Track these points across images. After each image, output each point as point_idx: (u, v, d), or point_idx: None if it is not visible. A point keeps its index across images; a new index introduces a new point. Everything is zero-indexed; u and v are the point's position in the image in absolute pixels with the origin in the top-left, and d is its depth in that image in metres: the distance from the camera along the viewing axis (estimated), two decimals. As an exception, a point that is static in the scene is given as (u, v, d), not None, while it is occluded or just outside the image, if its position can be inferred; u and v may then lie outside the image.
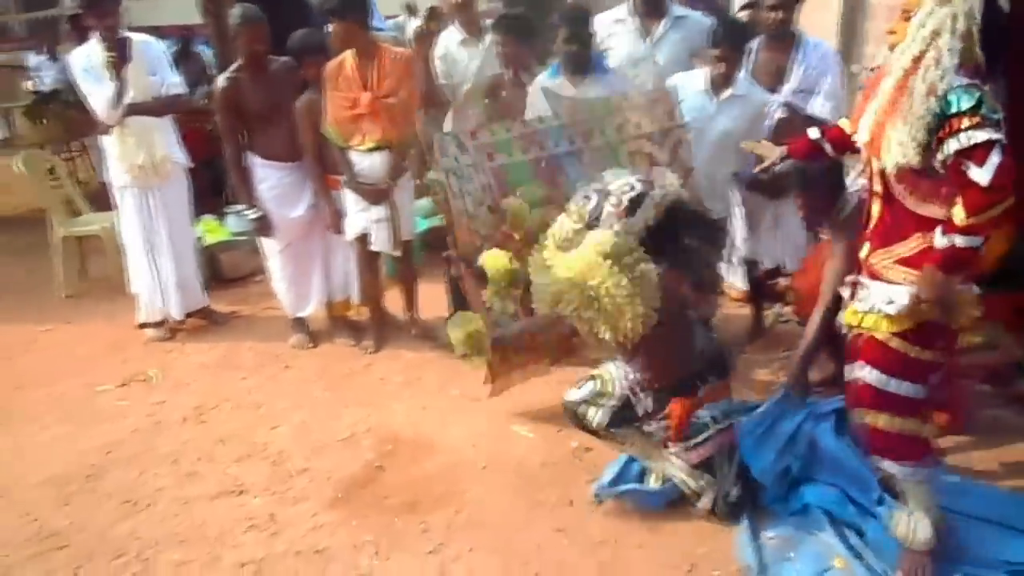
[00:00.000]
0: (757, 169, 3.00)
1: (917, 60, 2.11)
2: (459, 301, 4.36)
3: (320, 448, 3.26)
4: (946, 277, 2.16)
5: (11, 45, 11.89)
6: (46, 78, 9.08)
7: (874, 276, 2.33)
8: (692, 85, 3.57)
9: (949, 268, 2.16)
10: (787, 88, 3.65)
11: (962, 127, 2.06)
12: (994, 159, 2.03)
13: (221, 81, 3.99)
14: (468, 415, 3.44)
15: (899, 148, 2.13)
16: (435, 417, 3.45)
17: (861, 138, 2.31)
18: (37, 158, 5.63)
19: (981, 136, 2.04)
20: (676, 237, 2.55)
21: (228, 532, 2.76)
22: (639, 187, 2.53)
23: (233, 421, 3.52)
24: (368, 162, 3.82)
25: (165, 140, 4.25)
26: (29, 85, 9.26)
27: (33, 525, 2.85)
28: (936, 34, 2.09)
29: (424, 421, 3.42)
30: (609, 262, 2.36)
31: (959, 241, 2.11)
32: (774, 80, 3.67)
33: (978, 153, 2.05)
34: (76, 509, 2.94)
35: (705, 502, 2.67)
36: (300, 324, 4.34)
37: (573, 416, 2.76)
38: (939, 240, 2.14)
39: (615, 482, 2.80)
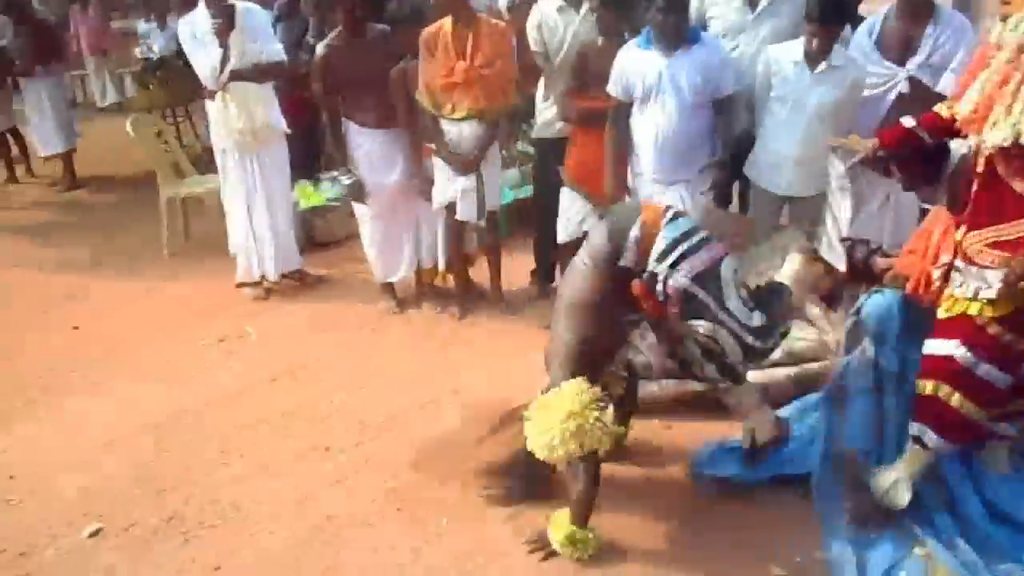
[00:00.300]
0: (848, 165, 2.88)
1: None
2: (545, 273, 4.40)
3: (403, 411, 3.33)
4: None
5: (124, 12, 12.43)
6: (155, 45, 9.46)
7: (968, 260, 2.26)
8: (788, 56, 3.44)
9: None
10: (915, 61, 3.41)
11: None
12: None
13: (320, 48, 4.08)
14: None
15: (1009, 126, 2.05)
16: (516, 384, 3.46)
17: (963, 110, 2.22)
18: (146, 122, 5.89)
19: None
20: None
21: (313, 487, 2.86)
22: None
23: (321, 381, 3.64)
24: (458, 131, 3.85)
25: (265, 107, 4.36)
26: (139, 52, 9.65)
27: (136, 468, 3.03)
28: None
29: (506, 389, 3.44)
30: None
31: None
32: (902, 51, 3.44)
33: None
34: (174, 456, 3.10)
35: None
36: (388, 289, 4.43)
37: None
38: None
39: (712, 463, 2.75)
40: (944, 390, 2.34)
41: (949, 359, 2.32)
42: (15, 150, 7.57)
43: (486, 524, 2.63)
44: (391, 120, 4.09)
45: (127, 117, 5.91)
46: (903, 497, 2.44)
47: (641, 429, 2.97)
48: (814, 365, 3.19)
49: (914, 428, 2.44)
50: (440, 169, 3.97)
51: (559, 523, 2.44)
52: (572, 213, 3.90)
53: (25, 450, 3.22)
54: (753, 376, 2.96)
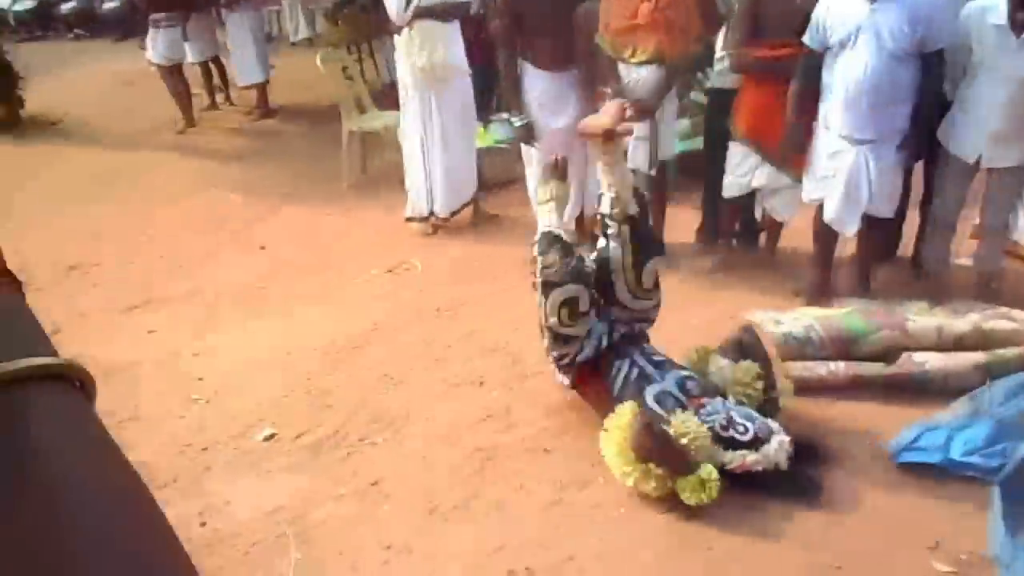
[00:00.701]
0: None
1: None
2: (712, 230, 4.25)
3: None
4: None
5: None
6: (346, -18, 9.81)
7: None
8: (990, 17, 3.08)
9: None
10: None
11: None
12: None
13: None
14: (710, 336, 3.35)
15: None
16: (674, 333, 3.39)
17: None
18: (333, 58, 6.15)
19: None
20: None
21: (467, 418, 2.95)
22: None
23: (481, 317, 3.72)
24: (637, 75, 3.73)
25: (447, 45, 4.42)
26: (331, -12, 10.03)
27: (307, 383, 3.25)
28: None
29: (658, 339, 3.38)
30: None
31: None
32: None
33: None
34: (342, 376, 3.30)
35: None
36: (551, 233, 4.43)
37: None
38: None
39: (914, 449, 2.58)
40: None
41: None
42: (216, 79, 8.16)
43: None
44: (568, 62, 4.04)
45: (316, 52, 6.20)
46: None
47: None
48: (1011, 351, 2.90)
49: None
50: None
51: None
52: (742, 169, 3.73)
53: (212, 357, 3.53)
54: (938, 359, 2.75)
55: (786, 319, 3.20)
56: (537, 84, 4.15)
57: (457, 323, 3.70)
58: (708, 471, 2.38)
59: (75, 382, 0.40)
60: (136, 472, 0.39)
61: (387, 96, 6.81)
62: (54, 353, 0.39)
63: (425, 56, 4.35)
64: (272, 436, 2.89)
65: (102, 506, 0.36)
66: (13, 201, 5.73)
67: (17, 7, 13.93)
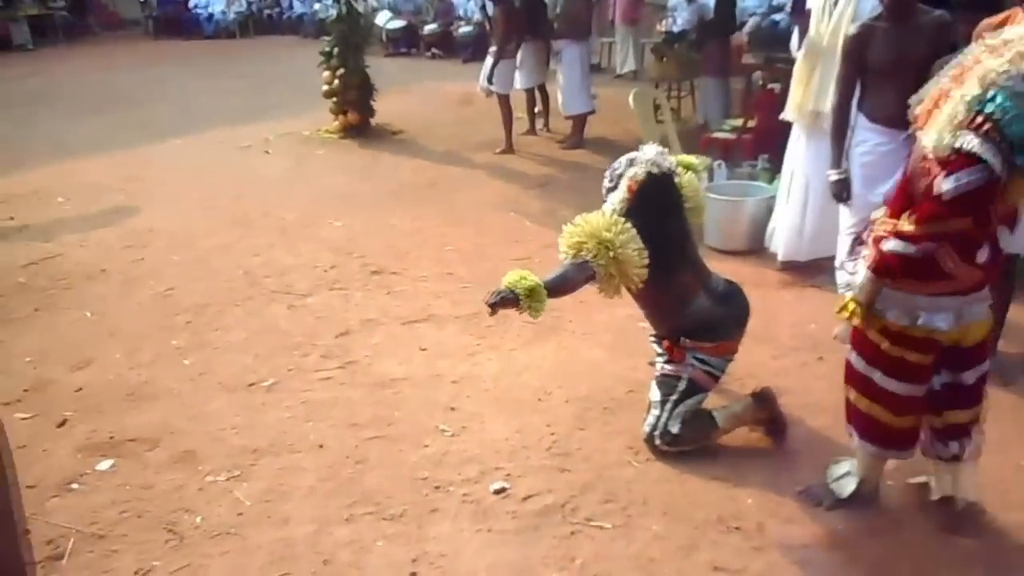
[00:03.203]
0: None
1: (1007, 44, 1.95)
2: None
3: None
4: (873, 279, 2.19)
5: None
6: (679, 18, 9.72)
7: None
8: None
9: (879, 271, 2.17)
10: None
11: (973, 126, 1.93)
12: (968, 176, 1.94)
13: (854, 27, 3.68)
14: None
15: (937, 130, 2.01)
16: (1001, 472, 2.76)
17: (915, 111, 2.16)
18: (646, 95, 6.04)
19: (973, 145, 1.92)
20: (648, 211, 2.81)
21: (710, 531, 2.62)
22: (623, 164, 2.94)
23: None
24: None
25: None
26: (663, 24, 10.02)
27: (552, 438, 3.12)
28: None
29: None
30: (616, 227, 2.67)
31: (892, 244, 2.10)
32: None
33: (958, 161, 1.95)
34: (589, 437, 3.12)
35: (649, 420, 2.96)
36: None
37: None
38: (883, 243, 2.12)
39: None
40: (852, 394, 2.47)
41: (849, 364, 2.46)
42: (539, 105, 8.48)
43: None
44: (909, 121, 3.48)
45: (639, 86, 6.14)
46: (847, 489, 2.61)
47: None
48: None
49: (847, 428, 2.56)
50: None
51: (529, 276, 2.53)
52: None
53: (470, 386, 3.55)
54: None
55: None
56: (867, 139, 3.69)
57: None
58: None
59: None
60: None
61: (698, 138, 6.58)
62: None
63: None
64: (503, 491, 2.80)
65: None
66: (349, 198, 6.39)
67: (390, 25, 15.81)
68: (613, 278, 2.69)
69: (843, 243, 3.91)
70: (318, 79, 8.49)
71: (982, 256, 2.17)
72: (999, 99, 1.91)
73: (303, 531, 2.66)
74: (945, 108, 2.02)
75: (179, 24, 19.77)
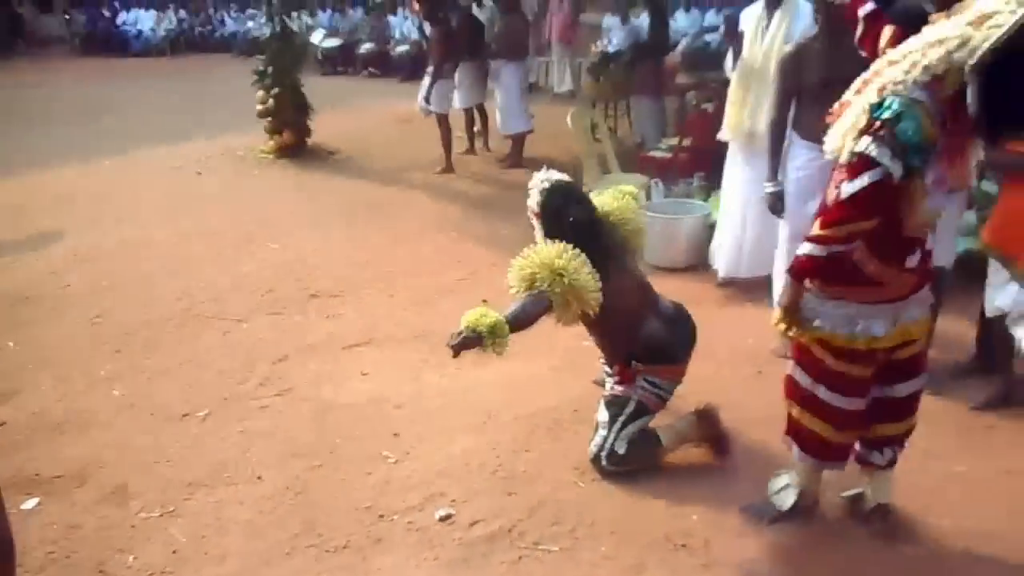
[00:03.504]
0: None
1: (905, 56, 2.05)
2: (989, 351, 3.57)
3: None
4: (792, 283, 2.27)
5: (596, 6, 13.24)
6: (614, 39, 9.89)
7: None
8: None
9: (795, 274, 2.26)
10: None
11: (870, 131, 2.03)
12: (865, 179, 2.03)
13: (790, 46, 3.81)
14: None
15: (839, 136, 2.13)
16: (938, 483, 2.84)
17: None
18: (583, 114, 6.11)
19: (871, 150, 2.02)
20: (563, 226, 2.88)
21: (660, 546, 2.63)
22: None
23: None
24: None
25: None
26: (598, 44, 10.17)
27: (497, 461, 3.09)
28: (938, 43, 1.99)
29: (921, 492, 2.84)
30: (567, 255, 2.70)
31: (805, 248, 2.18)
32: None
33: (857, 164, 2.05)
34: (534, 459, 3.11)
35: (596, 441, 2.95)
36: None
37: None
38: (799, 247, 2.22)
39: None
40: (795, 409, 2.49)
41: (791, 379, 2.49)
42: (478, 125, 8.49)
43: None
44: None
45: (576, 105, 6.20)
46: (787, 501, 2.65)
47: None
48: None
49: (784, 439, 2.59)
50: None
51: (489, 313, 2.52)
52: (996, 281, 3.10)
53: (414, 409, 3.49)
54: None
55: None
56: (799, 155, 3.78)
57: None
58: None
59: None
60: None
61: (632, 157, 6.68)
62: None
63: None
64: (448, 517, 2.75)
65: None
66: (287, 220, 6.27)
67: (325, 44, 15.69)
68: (570, 305, 2.69)
69: (780, 257, 4.00)
70: (252, 98, 8.35)
71: (912, 261, 2.26)
72: (895, 105, 2.02)
73: (242, 567, 2.56)
74: (846, 116, 2.14)
75: (107, 41, 19.28)
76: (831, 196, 2.18)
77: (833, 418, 2.43)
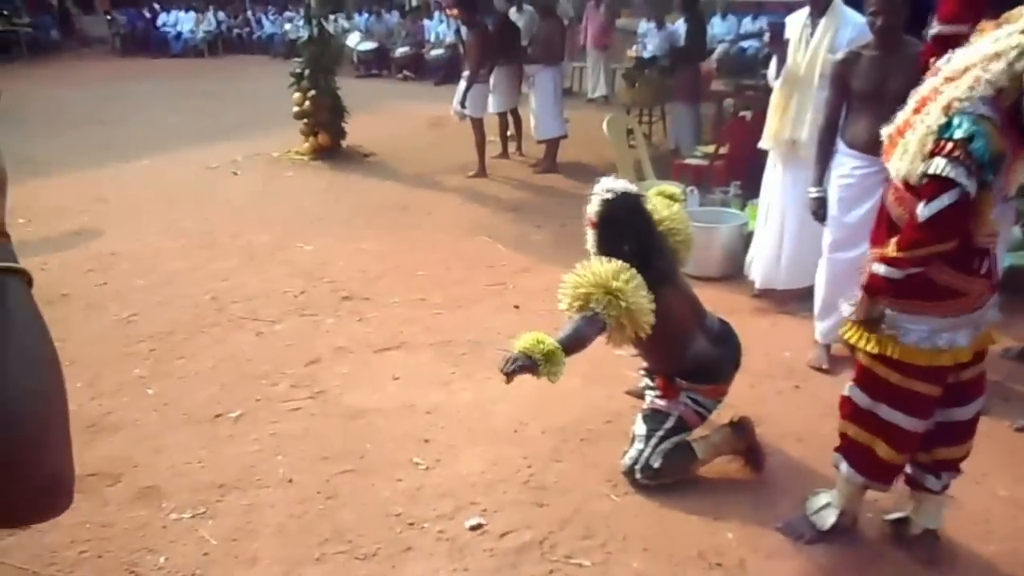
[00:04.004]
0: None
1: (965, 71, 2.00)
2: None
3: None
4: (868, 300, 2.21)
5: (632, 11, 13.20)
6: (649, 44, 9.81)
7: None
8: None
9: (870, 292, 2.21)
10: None
11: (943, 152, 1.98)
12: (944, 200, 1.98)
13: (841, 53, 3.73)
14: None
15: (902, 158, 2.09)
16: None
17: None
18: (619, 120, 6.05)
19: (948, 171, 1.97)
20: (619, 238, 2.79)
21: (692, 565, 2.57)
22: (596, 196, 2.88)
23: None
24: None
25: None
26: (634, 49, 10.10)
27: (528, 471, 3.06)
28: (996, 56, 1.96)
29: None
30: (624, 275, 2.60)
31: (880, 269, 2.14)
32: None
33: (933, 186, 2.00)
34: (567, 470, 3.06)
35: (631, 453, 2.89)
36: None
37: None
38: (871, 266, 2.19)
39: None
40: (851, 430, 2.42)
41: (848, 401, 2.41)
42: (512, 129, 8.47)
43: None
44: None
45: (610, 110, 6.16)
46: (827, 521, 2.57)
47: None
48: None
49: (834, 456, 2.52)
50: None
51: (544, 339, 2.42)
52: None
53: (444, 416, 3.47)
54: None
55: None
56: (845, 163, 3.70)
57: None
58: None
59: (26, 276, 0.71)
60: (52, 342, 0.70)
61: (670, 163, 6.61)
62: (16, 260, 0.71)
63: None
64: (479, 527, 2.72)
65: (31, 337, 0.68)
66: (320, 222, 6.30)
67: (362, 47, 15.79)
68: (624, 329, 2.60)
69: (822, 267, 3.91)
70: (288, 100, 8.41)
71: (984, 267, 2.21)
72: (965, 124, 1.97)
73: (272, 572, 2.56)
74: (911, 138, 2.08)
75: (147, 42, 19.59)
76: (896, 215, 2.14)
77: (893, 438, 2.35)
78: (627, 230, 2.80)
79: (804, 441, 3.23)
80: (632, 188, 2.91)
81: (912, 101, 2.18)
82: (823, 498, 2.64)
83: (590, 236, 2.90)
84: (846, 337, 2.36)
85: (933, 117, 2.04)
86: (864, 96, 3.54)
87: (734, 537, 2.66)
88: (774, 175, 4.51)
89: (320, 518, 2.80)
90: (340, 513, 2.82)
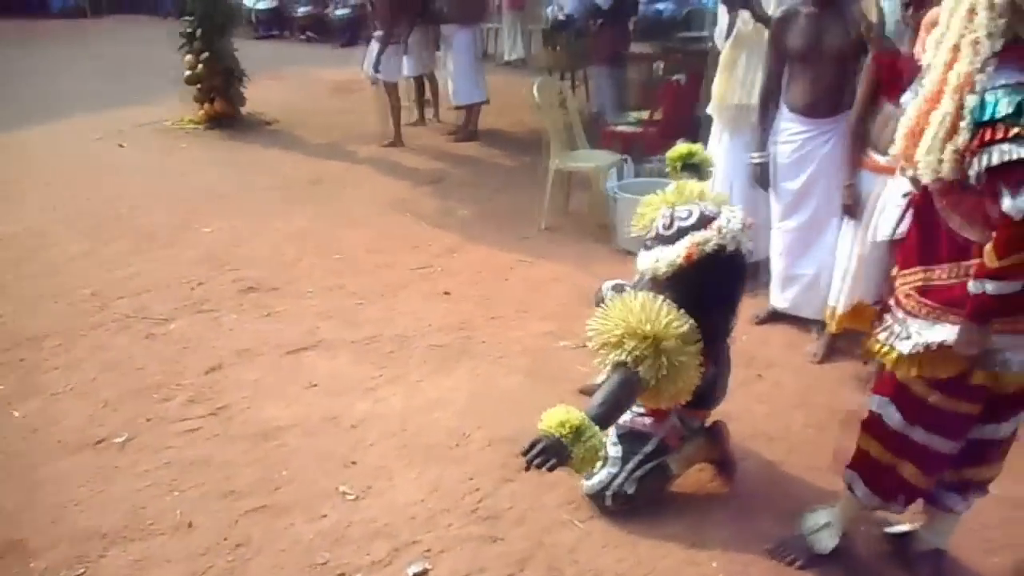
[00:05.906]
0: None
1: (957, 49, 1.74)
2: None
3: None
4: (980, 329, 1.81)
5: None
6: (567, 6, 9.35)
7: (896, 302, 2.00)
8: None
9: (982, 319, 1.80)
10: None
11: (996, 138, 1.66)
12: None
13: (779, 11, 3.55)
14: None
15: (928, 159, 1.78)
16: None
17: (895, 147, 1.93)
18: (550, 86, 5.62)
19: (1019, 152, 1.63)
20: (697, 289, 2.24)
21: (672, 593, 2.22)
22: (693, 216, 2.31)
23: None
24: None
25: None
26: (550, 11, 9.64)
27: (475, 495, 2.64)
28: (972, 12, 1.71)
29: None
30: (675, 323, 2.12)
31: (990, 288, 1.75)
32: None
33: (1014, 174, 1.65)
34: (521, 493, 2.66)
35: (601, 476, 2.48)
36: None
37: None
38: (971, 286, 1.79)
39: None
40: (875, 449, 2.13)
41: (878, 418, 2.10)
42: (428, 94, 7.93)
43: None
44: (831, 110, 3.41)
45: (527, 74, 5.73)
46: (827, 544, 2.29)
47: None
48: None
49: (847, 474, 2.23)
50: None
51: (572, 412, 1.94)
52: None
53: (373, 431, 3.02)
54: None
55: None
56: (787, 128, 3.55)
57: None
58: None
59: None
60: None
61: (593, 129, 6.25)
62: None
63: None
64: (424, 574, 2.30)
65: None
66: (221, 199, 5.65)
67: (259, 6, 14.75)
68: (662, 395, 2.17)
69: (775, 239, 3.76)
70: (180, 63, 7.61)
71: None
72: (1000, 100, 1.67)
73: (168, 650, 2.07)
74: (929, 138, 1.78)
75: (22, 0, 17.81)
76: (957, 225, 1.84)
77: (925, 462, 2.05)
78: (711, 289, 2.28)
79: (776, 441, 2.93)
80: (746, 240, 2.33)
81: (918, 99, 1.86)
82: (822, 517, 2.33)
83: (669, 253, 2.29)
84: (899, 375, 1.99)
85: (949, 104, 1.74)
86: (802, 56, 3.41)
87: (719, 566, 2.32)
88: (719, 145, 4.20)
89: (227, 573, 2.31)
90: (252, 565, 2.33)
